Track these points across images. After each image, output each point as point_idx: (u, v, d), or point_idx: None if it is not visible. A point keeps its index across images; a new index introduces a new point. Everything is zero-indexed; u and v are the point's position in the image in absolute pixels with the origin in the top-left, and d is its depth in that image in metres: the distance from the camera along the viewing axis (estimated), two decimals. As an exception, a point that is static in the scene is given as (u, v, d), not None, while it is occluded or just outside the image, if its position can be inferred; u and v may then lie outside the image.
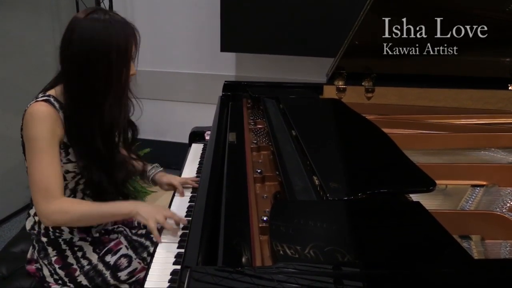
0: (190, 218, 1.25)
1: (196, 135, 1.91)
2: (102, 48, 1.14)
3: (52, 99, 1.18)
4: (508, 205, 1.10)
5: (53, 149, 1.16)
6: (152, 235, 1.39)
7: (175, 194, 1.47)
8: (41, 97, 1.19)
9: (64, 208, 1.17)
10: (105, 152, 1.24)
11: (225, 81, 1.96)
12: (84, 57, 1.14)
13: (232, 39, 2.74)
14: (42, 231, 1.29)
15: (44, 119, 1.14)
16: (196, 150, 1.83)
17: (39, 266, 1.31)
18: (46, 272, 1.30)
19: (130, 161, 1.38)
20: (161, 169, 1.56)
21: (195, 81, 3.06)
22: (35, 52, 2.53)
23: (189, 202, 1.40)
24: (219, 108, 1.74)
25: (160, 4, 2.99)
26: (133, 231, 1.42)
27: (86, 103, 1.19)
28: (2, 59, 2.32)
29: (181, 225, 1.23)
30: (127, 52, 1.17)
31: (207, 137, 1.82)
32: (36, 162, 1.15)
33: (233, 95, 1.90)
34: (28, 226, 1.33)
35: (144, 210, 1.20)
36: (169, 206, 1.39)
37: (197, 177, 1.58)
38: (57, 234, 1.29)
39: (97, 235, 1.35)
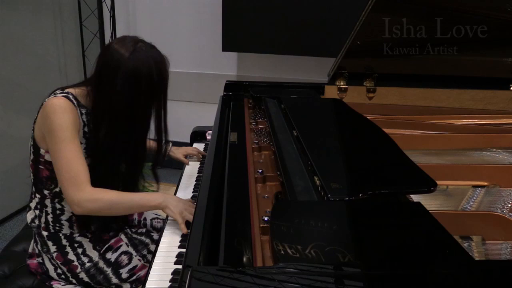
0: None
1: (198, 135, 1.91)
2: (150, 82, 1.20)
3: (71, 96, 1.21)
4: (509, 205, 1.10)
5: (77, 139, 1.19)
6: (152, 233, 1.41)
7: (176, 194, 1.48)
8: (60, 93, 1.21)
9: (96, 196, 1.18)
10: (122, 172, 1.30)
11: (227, 81, 1.96)
12: (132, 89, 1.19)
13: (233, 39, 2.74)
14: (42, 224, 1.30)
15: (67, 110, 1.18)
16: (197, 149, 1.83)
17: (41, 261, 1.32)
18: (49, 265, 1.31)
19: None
20: (171, 145, 1.66)
21: (197, 81, 3.06)
22: (37, 51, 2.54)
23: (190, 201, 1.41)
24: (220, 107, 1.74)
25: (161, 4, 2.99)
26: (133, 230, 1.43)
27: (124, 127, 1.24)
28: (4, 58, 2.32)
29: None
30: (167, 83, 1.26)
31: (209, 137, 1.83)
32: (63, 151, 1.16)
33: (235, 95, 1.90)
34: (28, 220, 1.33)
35: (173, 205, 1.22)
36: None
37: (200, 169, 1.62)
38: (57, 228, 1.30)
39: (97, 230, 1.36)
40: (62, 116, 1.16)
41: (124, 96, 1.19)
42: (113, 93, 1.19)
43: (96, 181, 1.22)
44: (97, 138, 1.24)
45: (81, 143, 1.23)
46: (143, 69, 1.17)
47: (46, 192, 1.27)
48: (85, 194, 1.16)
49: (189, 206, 1.24)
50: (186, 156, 1.70)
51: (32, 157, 1.27)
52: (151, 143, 1.58)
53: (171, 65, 1.26)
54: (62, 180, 1.18)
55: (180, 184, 1.55)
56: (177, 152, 1.70)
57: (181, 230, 1.19)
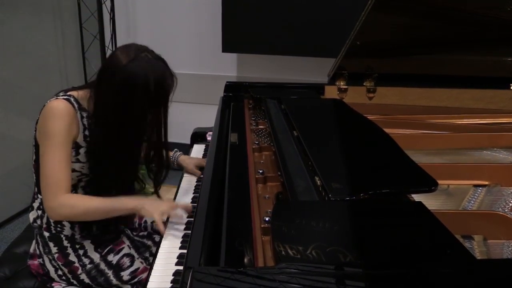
0: (192, 219, 1.26)
1: (198, 136, 1.92)
2: (145, 92, 1.18)
3: (72, 99, 1.22)
4: (510, 205, 1.10)
5: (67, 146, 1.20)
6: (154, 235, 1.41)
7: (177, 195, 1.48)
8: (62, 95, 1.22)
9: (71, 202, 1.20)
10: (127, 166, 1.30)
11: (227, 82, 1.96)
12: (125, 97, 1.18)
13: (233, 39, 2.75)
14: (44, 225, 1.31)
15: (64, 115, 1.18)
16: (198, 151, 1.83)
17: (42, 262, 1.32)
18: (50, 267, 1.31)
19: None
20: (181, 152, 1.66)
21: (197, 82, 3.06)
22: (37, 53, 2.54)
23: (191, 203, 1.41)
24: (220, 108, 1.74)
25: (161, 5, 2.99)
26: (134, 233, 1.42)
27: (124, 133, 1.23)
28: (4, 60, 2.32)
29: (185, 216, 1.27)
30: (167, 98, 1.24)
31: (209, 138, 1.83)
32: (50, 156, 1.18)
33: (235, 96, 1.90)
34: (30, 219, 1.34)
35: (149, 204, 1.24)
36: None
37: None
38: (58, 229, 1.30)
39: (98, 232, 1.36)
40: (58, 121, 1.17)
41: (118, 103, 1.19)
42: (108, 98, 1.20)
43: (93, 184, 1.23)
44: (96, 142, 1.24)
45: (81, 146, 1.24)
46: (138, 78, 1.16)
47: None
48: (60, 201, 1.18)
49: (165, 203, 1.26)
50: (199, 168, 1.62)
51: (34, 157, 1.27)
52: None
53: (172, 66, 1.25)
54: (42, 184, 1.19)
55: (181, 186, 1.55)
56: (189, 163, 1.63)
57: (159, 229, 1.21)
